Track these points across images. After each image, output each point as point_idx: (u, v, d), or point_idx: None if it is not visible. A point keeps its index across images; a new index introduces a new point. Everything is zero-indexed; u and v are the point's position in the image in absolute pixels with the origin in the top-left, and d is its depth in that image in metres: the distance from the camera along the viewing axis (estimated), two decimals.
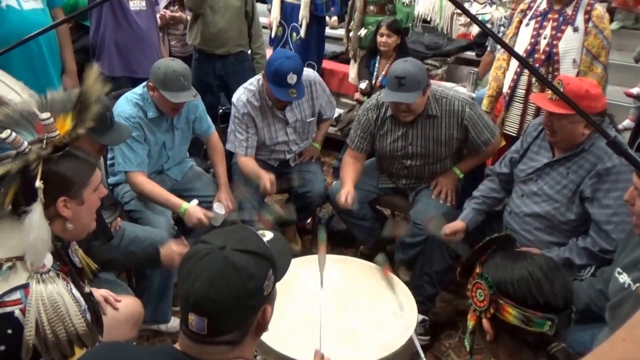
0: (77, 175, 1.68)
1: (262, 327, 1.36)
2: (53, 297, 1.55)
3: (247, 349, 1.36)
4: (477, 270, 1.52)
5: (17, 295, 1.52)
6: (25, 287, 1.53)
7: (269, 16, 5.21)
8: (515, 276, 1.43)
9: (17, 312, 1.51)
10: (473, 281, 1.52)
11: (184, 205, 3.03)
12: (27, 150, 1.57)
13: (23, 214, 1.54)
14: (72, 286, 1.69)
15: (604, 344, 0.76)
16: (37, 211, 1.54)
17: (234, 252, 1.28)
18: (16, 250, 1.57)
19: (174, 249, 2.54)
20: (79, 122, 1.66)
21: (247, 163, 3.49)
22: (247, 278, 1.26)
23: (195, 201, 3.07)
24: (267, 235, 1.49)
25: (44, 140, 1.61)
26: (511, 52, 1.34)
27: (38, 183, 1.54)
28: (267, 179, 3.29)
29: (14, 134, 1.54)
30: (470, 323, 1.54)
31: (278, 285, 1.41)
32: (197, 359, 1.30)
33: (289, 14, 5.03)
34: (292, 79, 3.21)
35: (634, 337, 0.73)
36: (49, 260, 1.61)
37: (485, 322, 1.46)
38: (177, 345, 1.35)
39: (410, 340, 2.29)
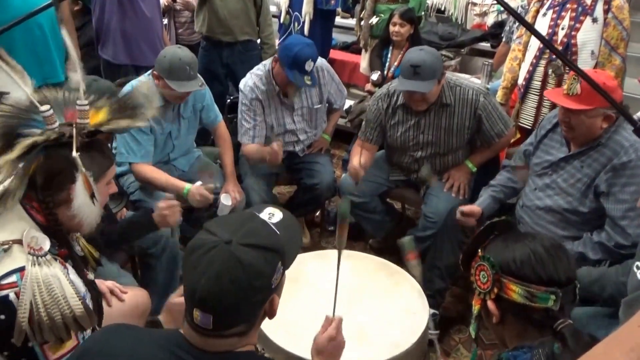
0: (96, 165, 1.71)
1: (270, 315, 1.39)
2: (48, 280, 1.55)
3: (253, 336, 1.40)
4: (480, 253, 1.56)
5: (12, 278, 1.53)
6: (21, 270, 1.54)
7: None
8: (517, 254, 1.47)
9: (12, 296, 1.51)
10: (476, 264, 1.56)
11: (186, 186, 3.07)
12: (57, 129, 1.61)
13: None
14: (71, 271, 1.69)
15: (620, 329, 0.77)
16: (80, 181, 1.58)
17: (240, 247, 1.27)
18: (14, 233, 1.58)
19: (160, 207, 2.51)
20: (113, 119, 1.70)
21: (251, 148, 3.51)
22: (254, 275, 1.26)
23: (199, 183, 3.09)
24: (277, 215, 1.48)
25: (73, 125, 1.63)
26: (540, 37, 1.35)
27: (74, 153, 1.57)
28: (271, 149, 3.30)
29: (52, 110, 1.58)
30: (475, 308, 1.57)
31: (286, 282, 1.41)
32: (203, 350, 1.32)
33: (294, 2, 5.03)
34: (309, 65, 3.28)
35: None
36: (46, 243, 1.61)
37: (490, 304, 1.50)
38: (182, 331, 1.37)
39: (422, 338, 2.29)
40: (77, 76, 1.69)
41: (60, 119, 1.67)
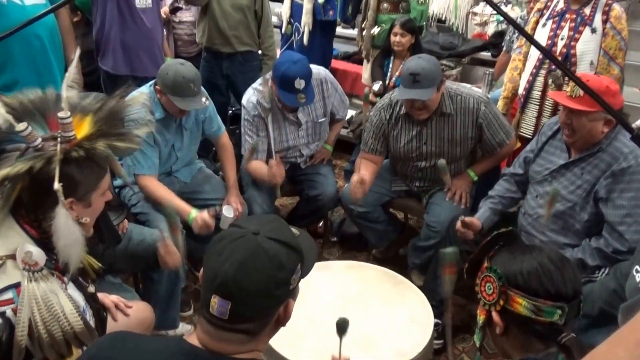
0: (88, 178, 1.68)
1: (282, 322, 1.41)
2: (46, 296, 1.54)
3: (262, 343, 1.39)
4: (486, 264, 1.58)
5: (9, 294, 1.52)
6: (17, 286, 1.53)
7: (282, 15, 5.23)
8: (524, 267, 1.49)
9: (9, 312, 1.51)
10: (482, 275, 1.58)
11: (192, 212, 3.07)
12: (39, 146, 1.58)
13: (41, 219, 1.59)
14: (69, 286, 1.70)
15: (623, 327, 0.78)
16: (61, 215, 1.55)
17: (267, 239, 1.31)
18: (7, 248, 1.57)
19: (160, 251, 2.58)
20: (102, 135, 1.67)
21: (254, 167, 3.51)
22: (277, 267, 1.29)
23: (205, 211, 3.10)
24: (296, 231, 1.52)
25: (58, 138, 1.60)
26: (539, 47, 1.37)
27: (56, 185, 1.53)
28: (271, 168, 3.31)
29: (30, 128, 1.56)
30: (480, 318, 1.60)
31: None
32: (210, 350, 1.33)
33: (294, 12, 5.06)
34: (299, 84, 3.25)
35: None
36: (42, 258, 1.59)
37: (495, 315, 1.52)
38: (188, 339, 1.38)
39: (427, 347, 2.31)
40: (66, 91, 1.67)
41: (44, 127, 1.66)
